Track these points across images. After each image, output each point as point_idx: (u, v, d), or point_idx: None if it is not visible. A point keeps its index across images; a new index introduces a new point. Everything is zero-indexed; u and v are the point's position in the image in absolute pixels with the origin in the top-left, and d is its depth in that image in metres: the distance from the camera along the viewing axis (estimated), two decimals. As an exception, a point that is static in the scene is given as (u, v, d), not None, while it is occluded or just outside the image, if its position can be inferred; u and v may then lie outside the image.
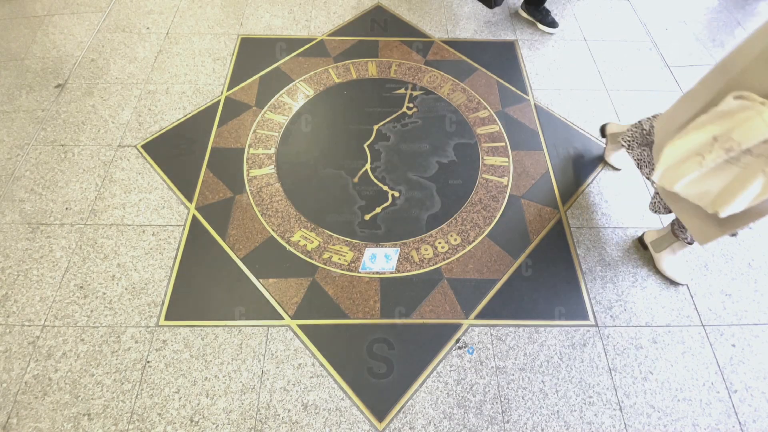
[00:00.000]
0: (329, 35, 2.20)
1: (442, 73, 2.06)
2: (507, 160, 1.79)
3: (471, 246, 1.56)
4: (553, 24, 2.23)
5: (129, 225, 1.57)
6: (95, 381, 1.28)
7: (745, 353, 1.36)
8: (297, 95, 1.97)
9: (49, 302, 1.41)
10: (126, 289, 1.44)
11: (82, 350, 1.33)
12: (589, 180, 1.74)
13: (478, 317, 1.41)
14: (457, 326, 1.40)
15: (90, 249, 1.52)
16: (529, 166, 1.77)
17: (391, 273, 1.49)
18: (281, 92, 1.97)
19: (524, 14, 2.30)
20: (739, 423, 1.25)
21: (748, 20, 2.36)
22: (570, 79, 2.07)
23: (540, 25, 2.26)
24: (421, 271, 1.50)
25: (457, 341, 1.37)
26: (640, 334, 1.40)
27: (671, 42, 2.24)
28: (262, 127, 1.85)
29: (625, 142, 1.48)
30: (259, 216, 1.61)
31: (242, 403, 1.25)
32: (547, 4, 2.24)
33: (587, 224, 1.63)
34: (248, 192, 1.67)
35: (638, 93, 2.02)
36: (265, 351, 1.34)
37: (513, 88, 2.02)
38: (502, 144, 1.83)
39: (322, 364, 1.32)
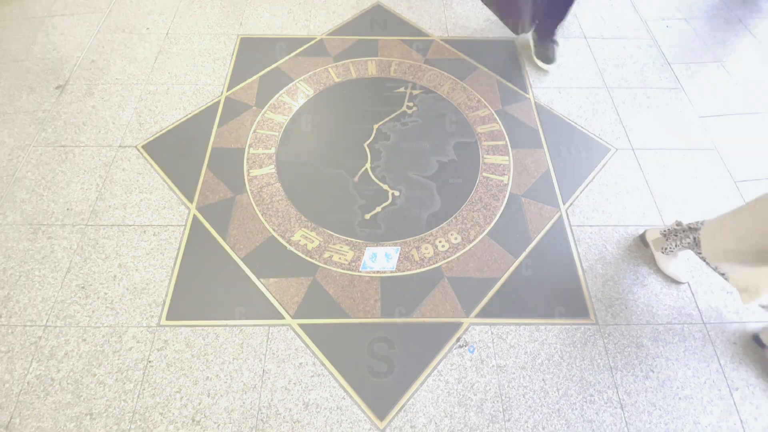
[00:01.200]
0: (329, 35, 2.20)
1: (442, 71, 2.06)
2: (507, 158, 1.78)
3: (471, 245, 1.56)
4: (549, 61, 2.05)
5: (130, 225, 1.58)
6: (97, 381, 1.29)
7: (747, 351, 1.36)
8: (297, 95, 1.97)
9: (50, 303, 1.42)
10: (127, 289, 1.44)
11: (84, 350, 1.33)
12: (589, 178, 1.73)
13: (478, 316, 1.41)
14: (458, 325, 1.40)
15: (91, 249, 1.52)
16: (529, 164, 1.76)
17: (392, 272, 1.49)
18: (281, 92, 1.97)
19: (531, 42, 2.13)
20: (741, 421, 1.25)
21: (749, 17, 2.35)
22: (570, 77, 2.06)
23: (535, 59, 2.09)
24: (422, 270, 1.50)
25: (458, 340, 1.37)
26: (641, 332, 1.40)
27: (672, 39, 2.23)
28: (262, 127, 1.85)
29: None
30: (260, 216, 1.61)
31: (243, 403, 1.26)
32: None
33: (588, 222, 1.62)
34: (248, 192, 1.67)
35: (639, 90, 2.02)
36: (266, 350, 1.34)
37: (513, 87, 2.02)
38: (503, 142, 1.83)
39: (322, 364, 1.32)
